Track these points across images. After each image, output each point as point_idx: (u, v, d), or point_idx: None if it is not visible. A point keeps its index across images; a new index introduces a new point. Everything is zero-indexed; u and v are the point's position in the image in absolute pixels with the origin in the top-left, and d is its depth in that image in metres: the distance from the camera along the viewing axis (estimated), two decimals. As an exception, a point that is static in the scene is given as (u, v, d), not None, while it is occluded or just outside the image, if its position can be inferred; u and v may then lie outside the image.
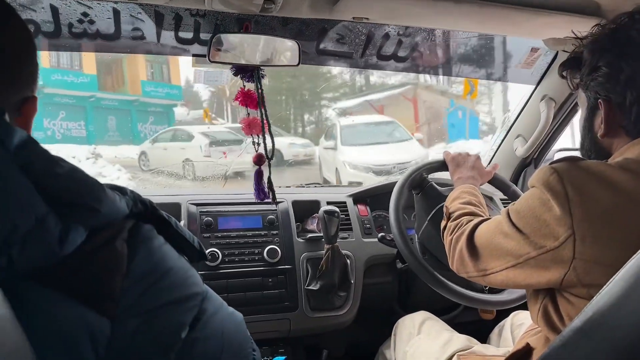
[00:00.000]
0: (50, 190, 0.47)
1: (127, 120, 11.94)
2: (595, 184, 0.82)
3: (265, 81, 1.43)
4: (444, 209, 1.28)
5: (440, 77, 11.14)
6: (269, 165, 1.46)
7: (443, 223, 1.23)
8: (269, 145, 1.45)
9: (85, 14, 1.26)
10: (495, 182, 1.65)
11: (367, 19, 1.34)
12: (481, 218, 1.11)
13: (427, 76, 11.03)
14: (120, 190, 0.55)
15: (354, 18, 1.33)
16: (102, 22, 1.29)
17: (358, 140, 8.61)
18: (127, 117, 12.10)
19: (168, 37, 1.41)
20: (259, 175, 1.46)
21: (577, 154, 1.03)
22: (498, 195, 1.84)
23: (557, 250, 0.83)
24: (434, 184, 1.54)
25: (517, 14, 1.27)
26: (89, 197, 0.49)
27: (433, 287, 1.41)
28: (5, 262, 0.43)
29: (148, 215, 0.58)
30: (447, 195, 1.41)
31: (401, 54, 1.66)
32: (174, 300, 0.53)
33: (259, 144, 1.45)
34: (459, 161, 1.49)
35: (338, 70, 10.84)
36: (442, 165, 1.59)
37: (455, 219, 1.18)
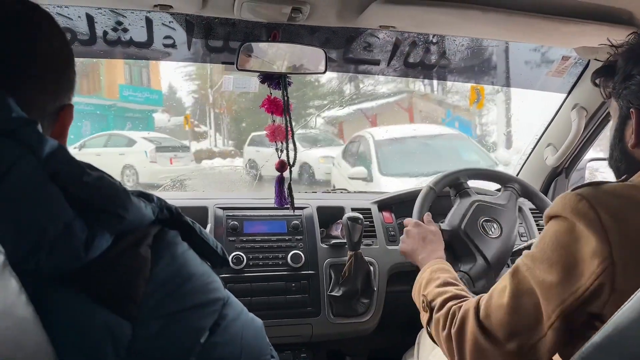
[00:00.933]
0: (77, 197, 0.49)
1: (103, 126, 11.04)
2: (627, 208, 0.78)
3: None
4: (420, 298, 1.12)
5: (436, 85, 10.44)
6: (290, 172, 1.48)
7: (425, 316, 1.07)
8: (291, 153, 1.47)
9: (119, 23, 1.31)
10: (523, 191, 1.63)
11: (393, 27, 1.34)
12: (476, 297, 0.96)
13: (423, 85, 10.34)
14: (147, 197, 0.57)
15: (380, 27, 1.34)
16: (135, 31, 1.33)
17: (407, 166, 5.67)
18: (103, 123, 11.24)
19: (199, 45, 1.44)
20: (280, 181, 1.47)
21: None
22: (527, 205, 1.80)
23: (595, 287, 0.76)
24: (469, 191, 1.56)
25: (546, 22, 1.25)
26: (115, 204, 0.51)
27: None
28: (33, 266, 0.45)
29: (173, 221, 0.60)
30: (475, 202, 1.41)
31: (428, 61, 1.66)
32: (194, 305, 0.54)
33: (282, 151, 1.47)
34: (408, 247, 1.37)
35: (327, 78, 9.97)
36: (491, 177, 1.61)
37: (439, 309, 1.02)
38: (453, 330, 0.94)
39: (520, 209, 1.79)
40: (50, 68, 0.59)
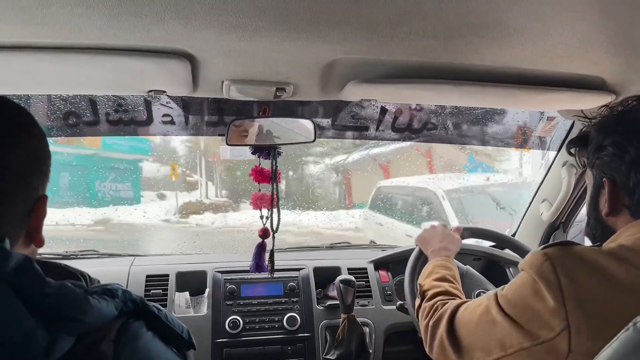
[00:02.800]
0: (39, 308, 0.54)
1: (84, 177, 10.06)
2: (588, 273, 0.81)
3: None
4: (417, 286, 1.24)
5: (453, 128, 9.99)
6: (273, 239, 1.52)
7: (417, 302, 1.20)
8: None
9: (120, 105, 1.42)
10: (515, 248, 1.66)
11: (375, 100, 1.42)
12: (459, 301, 1.06)
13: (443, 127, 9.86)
14: (111, 293, 0.61)
15: (362, 100, 1.42)
16: (135, 111, 1.44)
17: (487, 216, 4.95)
18: (84, 174, 10.23)
19: (195, 120, 1.54)
20: (260, 248, 1.51)
21: None
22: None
23: (553, 342, 0.81)
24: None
25: (522, 92, 1.31)
26: (74, 310, 0.56)
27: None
28: None
29: (138, 311, 0.64)
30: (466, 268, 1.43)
31: (416, 126, 1.73)
32: None
33: (267, 218, 1.51)
34: (426, 237, 1.49)
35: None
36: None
37: (429, 300, 1.14)
38: (430, 322, 1.06)
39: (516, 264, 1.80)
40: (23, 176, 0.62)
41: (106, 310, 0.59)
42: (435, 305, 1.10)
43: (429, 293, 1.17)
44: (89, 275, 0.65)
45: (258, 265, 1.50)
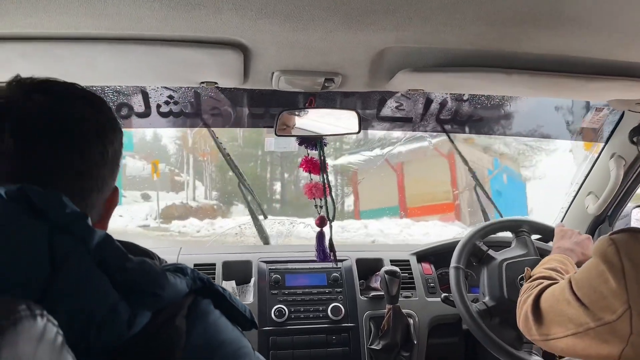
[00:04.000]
0: (121, 281, 0.56)
1: None
2: None
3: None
4: (525, 272, 1.29)
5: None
6: (330, 227, 1.54)
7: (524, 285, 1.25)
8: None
9: (170, 97, 1.45)
10: (532, 229, 1.64)
11: (422, 89, 1.42)
12: (550, 282, 1.11)
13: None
14: (182, 271, 0.64)
15: (409, 90, 1.42)
16: (185, 103, 1.47)
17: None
18: None
19: (242, 112, 1.57)
20: (320, 236, 1.54)
21: None
22: None
23: (615, 324, 0.83)
24: (492, 254, 1.56)
25: (572, 81, 1.28)
26: (153, 286, 0.58)
27: (494, 352, 1.40)
28: (84, 345, 0.52)
29: (205, 290, 0.66)
30: (503, 263, 1.43)
31: (461, 117, 1.72)
32: None
33: (321, 207, 1.54)
34: (565, 233, 1.47)
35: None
36: (501, 228, 1.61)
37: (531, 281, 1.19)
38: (522, 298, 1.13)
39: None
40: (113, 167, 0.69)
41: (180, 287, 0.61)
42: (531, 284, 1.16)
43: (534, 276, 1.22)
44: (157, 255, 0.68)
45: (323, 253, 1.52)
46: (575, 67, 1.26)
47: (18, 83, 0.66)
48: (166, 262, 0.68)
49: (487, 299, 1.52)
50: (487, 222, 1.69)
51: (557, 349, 0.99)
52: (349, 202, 7.78)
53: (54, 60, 1.12)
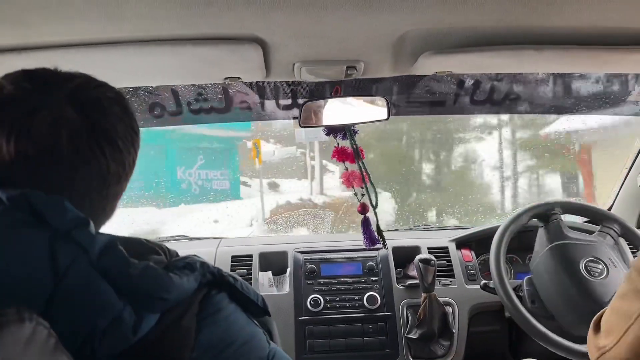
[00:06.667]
0: (125, 288, 0.56)
1: (160, 162, 7.26)
2: None
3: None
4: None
5: None
6: (375, 214, 1.53)
7: None
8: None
9: (200, 94, 1.48)
10: (623, 232, 1.53)
11: (450, 72, 1.37)
12: None
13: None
14: (191, 266, 0.64)
15: (436, 72, 1.37)
16: (214, 99, 1.50)
17: None
18: (160, 157, 7.35)
19: (271, 105, 1.58)
20: (366, 222, 1.53)
21: None
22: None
23: None
24: (561, 222, 1.48)
25: (609, 53, 1.20)
26: (158, 290, 0.58)
27: (539, 341, 1.35)
28: (89, 351, 0.54)
29: (217, 281, 0.66)
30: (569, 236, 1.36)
31: (497, 97, 1.65)
32: None
33: (362, 195, 1.52)
34: None
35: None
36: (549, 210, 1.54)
37: None
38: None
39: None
40: (134, 165, 0.69)
41: (187, 286, 0.61)
42: None
43: None
44: (167, 248, 0.68)
45: (371, 239, 1.52)
46: (612, 39, 1.17)
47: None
48: (177, 254, 0.68)
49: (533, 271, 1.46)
50: (544, 201, 1.59)
51: None
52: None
53: (81, 67, 1.16)
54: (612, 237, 1.50)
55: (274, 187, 6.81)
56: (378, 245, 1.71)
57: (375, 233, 1.56)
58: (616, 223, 1.53)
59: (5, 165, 0.59)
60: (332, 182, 6.86)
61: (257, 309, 0.71)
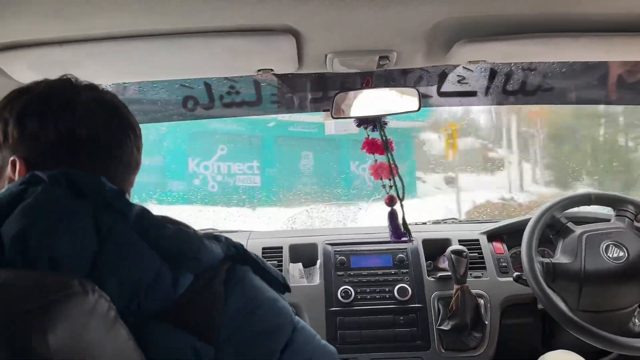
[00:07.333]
0: (162, 248, 0.61)
1: (332, 157, 6.35)
2: None
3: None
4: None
5: None
6: (402, 206, 1.53)
7: None
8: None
9: (232, 87, 1.50)
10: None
11: (483, 61, 1.36)
12: None
13: None
14: (217, 238, 0.69)
15: (469, 62, 1.36)
16: (246, 93, 1.51)
17: None
18: (332, 151, 6.43)
19: (302, 97, 1.59)
20: (392, 215, 1.53)
21: None
22: None
23: None
24: (571, 225, 1.46)
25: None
26: (191, 250, 0.63)
27: (574, 333, 1.33)
28: (136, 306, 0.58)
29: (240, 256, 0.71)
30: (583, 235, 1.33)
31: (529, 87, 1.62)
32: (264, 331, 0.65)
33: (391, 187, 1.52)
34: None
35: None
36: (582, 201, 1.51)
37: None
38: None
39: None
40: (133, 155, 0.77)
41: (216, 251, 0.66)
42: None
43: None
44: (192, 227, 0.72)
45: (397, 232, 1.52)
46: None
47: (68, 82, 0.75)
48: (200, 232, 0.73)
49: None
50: (573, 194, 1.58)
51: None
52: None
53: (118, 58, 1.20)
54: (630, 221, 1.47)
55: (450, 182, 5.86)
56: (404, 238, 1.72)
57: (401, 226, 1.55)
58: (630, 204, 1.51)
59: (47, 149, 0.68)
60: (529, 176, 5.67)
61: (278, 284, 0.75)
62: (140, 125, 0.80)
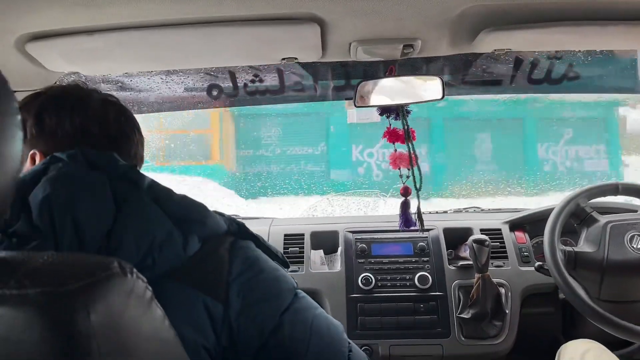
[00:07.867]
0: (171, 212, 0.68)
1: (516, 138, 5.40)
2: None
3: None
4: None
5: None
6: (418, 197, 1.53)
7: None
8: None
9: (256, 75, 1.51)
10: None
11: (509, 49, 1.34)
12: None
13: None
14: (220, 213, 0.76)
15: (495, 50, 1.35)
16: (269, 81, 1.53)
17: None
18: (515, 131, 5.51)
19: (324, 86, 1.59)
20: (404, 205, 1.54)
21: None
22: None
23: None
24: (595, 215, 1.45)
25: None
26: (198, 214, 0.71)
27: (595, 322, 1.33)
28: (150, 262, 0.64)
29: (242, 233, 0.77)
30: (608, 224, 1.32)
31: (555, 76, 1.60)
32: (267, 293, 0.72)
33: (407, 177, 1.53)
34: None
35: None
36: (608, 191, 1.49)
37: None
38: None
39: None
40: (138, 149, 0.86)
41: (220, 222, 0.74)
42: None
43: None
44: None
45: (407, 221, 1.53)
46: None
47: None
48: None
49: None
50: (600, 183, 1.56)
51: None
52: None
53: (147, 47, 1.22)
54: None
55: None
56: (427, 227, 1.72)
57: (414, 215, 1.55)
58: None
59: (64, 142, 0.75)
60: None
61: (278, 261, 0.80)
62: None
